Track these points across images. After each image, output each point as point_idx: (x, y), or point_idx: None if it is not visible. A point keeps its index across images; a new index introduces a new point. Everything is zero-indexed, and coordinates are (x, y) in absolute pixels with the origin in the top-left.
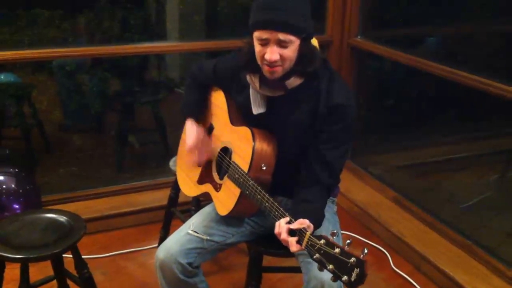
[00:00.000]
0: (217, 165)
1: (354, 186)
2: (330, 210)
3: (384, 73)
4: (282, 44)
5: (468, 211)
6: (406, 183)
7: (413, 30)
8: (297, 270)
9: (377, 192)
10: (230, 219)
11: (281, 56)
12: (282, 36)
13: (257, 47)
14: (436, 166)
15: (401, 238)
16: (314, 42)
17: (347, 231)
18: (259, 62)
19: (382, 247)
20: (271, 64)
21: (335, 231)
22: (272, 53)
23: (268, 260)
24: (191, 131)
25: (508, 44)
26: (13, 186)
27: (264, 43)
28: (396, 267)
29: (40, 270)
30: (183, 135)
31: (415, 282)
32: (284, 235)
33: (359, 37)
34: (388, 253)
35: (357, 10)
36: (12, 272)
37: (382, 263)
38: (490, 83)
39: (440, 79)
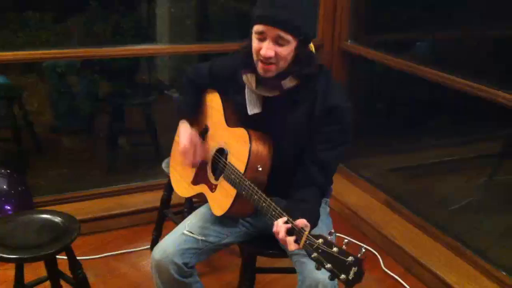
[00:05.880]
0: (212, 166)
1: (345, 189)
2: (323, 211)
3: (375, 77)
4: (279, 41)
5: (458, 213)
6: (396, 186)
7: (403, 35)
8: (290, 270)
9: (368, 195)
10: (225, 220)
11: (276, 53)
12: (280, 33)
13: (255, 42)
14: (426, 169)
15: (392, 240)
16: (310, 46)
17: (339, 233)
18: (254, 57)
19: (373, 249)
20: (266, 61)
21: (332, 231)
22: (268, 49)
23: (261, 261)
24: (184, 133)
25: (498, 49)
26: (4, 187)
27: (262, 38)
28: (387, 269)
29: (33, 271)
30: (176, 137)
31: (406, 284)
32: (282, 235)
33: (349, 41)
34: (379, 254)
35: (348, 14)
36: (5, 273)
37: (373, 265)
38: (481, 87)
39: (430, 83)
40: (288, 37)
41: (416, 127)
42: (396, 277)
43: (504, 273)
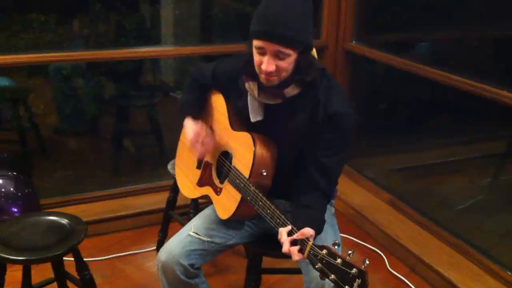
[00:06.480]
0: (217, 168)
1: (349, 189)
2: (328, 212)
3: (378, 78)
4: (279, 55)
5: (462, 213)
6: (400, 185)
7: (405, 35)
8: (295, 271)
9: (372, 195)
10: (231, 221)
11: (277, 67)
12: (279, 48)
13: (256, 56)
14: (429, 169)
15: (396, 240)
16: (312, 51)
17: (343, 234)
18: (256, 69)
19: (378, 248)
20: (267, 74)
21: (337, 241)
22: (269, 64)
23: (266, 262)
24: (190, 126)
25: (499, 49)
26: (11, 189)
27: (262, 52)
28: (392, 268)
29: (40, 273)
30: (181, 137)
31: (411, 283)
32: (286, 247)
33: (353, 42)
34: (384, 254)
35: (352, 15)
36: (12, 274)
37: (378, 265)
38: (483, 86)
39: (433, 83)
40: (288, 51)
41: (419, 127)
42: (401, 276)
43: (509, 272)
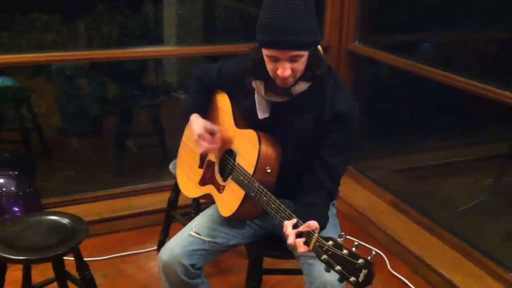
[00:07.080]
0: (220, 167)
1: (352, 190)
2: (330, 212)
3: (381, 78)
4: (292, 59)
5: (464, 214)
6: (403, 187)
7: (409, 36)
8: (297, 272)
9: (374, 196)
10: (232, 221)
11: (292, 70)
12: (292, 53)
13: (269, 63)
14: (432, 170)
15: (398, 241)
16: (318, 47)
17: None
18: (271, 75)
19: (380, 250)
20: (284, 78)
21: (343, 233)
22: (285, 70)
23: (267, 262)
24: (197, 122)
25: (502, 50)
26: (13, 189)
27: (275, 59)
28: (394, 270)
29: (40, 273)
30: (183, 137)
31: (412, 285)
32: (291, 239)
33: (356, 42)
34: (386, 256)
35: (355, 16)
36: (13, 274)
37: (380, 266)
38: (487, 88)
39: (436, 84)
40: (301, 52)
41: (422, 128)
42: (403, 278)
43: (511, 274)
